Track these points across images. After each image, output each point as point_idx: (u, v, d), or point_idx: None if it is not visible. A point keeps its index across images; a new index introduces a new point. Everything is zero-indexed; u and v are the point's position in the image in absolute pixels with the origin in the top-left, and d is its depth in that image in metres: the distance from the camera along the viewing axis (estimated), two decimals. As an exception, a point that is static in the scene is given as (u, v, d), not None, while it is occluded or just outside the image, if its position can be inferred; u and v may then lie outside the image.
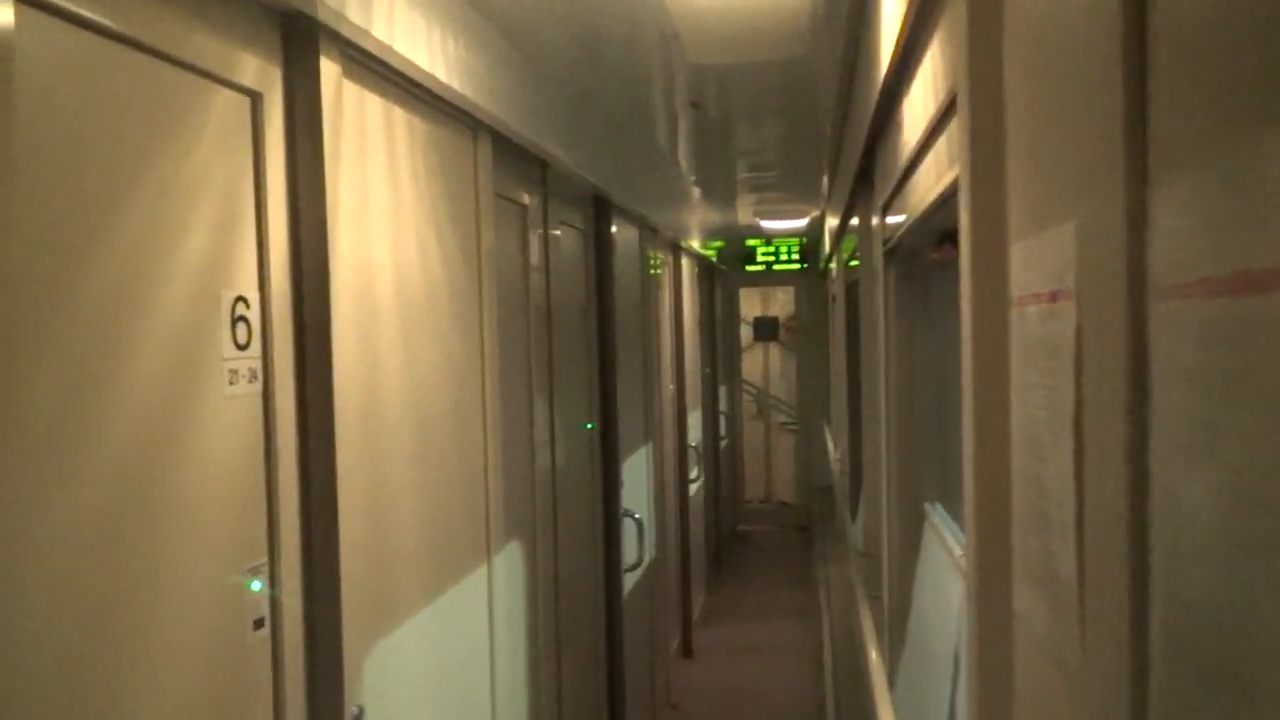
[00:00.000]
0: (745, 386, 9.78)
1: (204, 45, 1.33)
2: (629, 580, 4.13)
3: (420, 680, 1.98)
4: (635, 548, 4.11)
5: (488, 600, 2.35)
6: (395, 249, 1.88)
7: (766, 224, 7.36)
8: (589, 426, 3.67)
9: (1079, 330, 0.73)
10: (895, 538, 2.52)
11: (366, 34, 1.66)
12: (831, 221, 5.49)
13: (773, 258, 9.15)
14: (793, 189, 5.77)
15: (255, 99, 1.45)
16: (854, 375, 4.35)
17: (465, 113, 2.19)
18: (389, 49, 1.75)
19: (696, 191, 5.55)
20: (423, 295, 2.01)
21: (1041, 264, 0.84)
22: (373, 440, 1.75)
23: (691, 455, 6.37)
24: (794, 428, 9.62)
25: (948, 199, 1.42)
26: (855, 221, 3.64)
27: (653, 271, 5.11)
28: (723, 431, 8.54)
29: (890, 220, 2.38)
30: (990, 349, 1.02)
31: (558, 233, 3.16)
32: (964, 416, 1.11)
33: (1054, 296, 0.80)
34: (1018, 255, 0.94)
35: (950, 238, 1.84)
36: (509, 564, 2.55)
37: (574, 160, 3.12)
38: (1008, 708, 1.01)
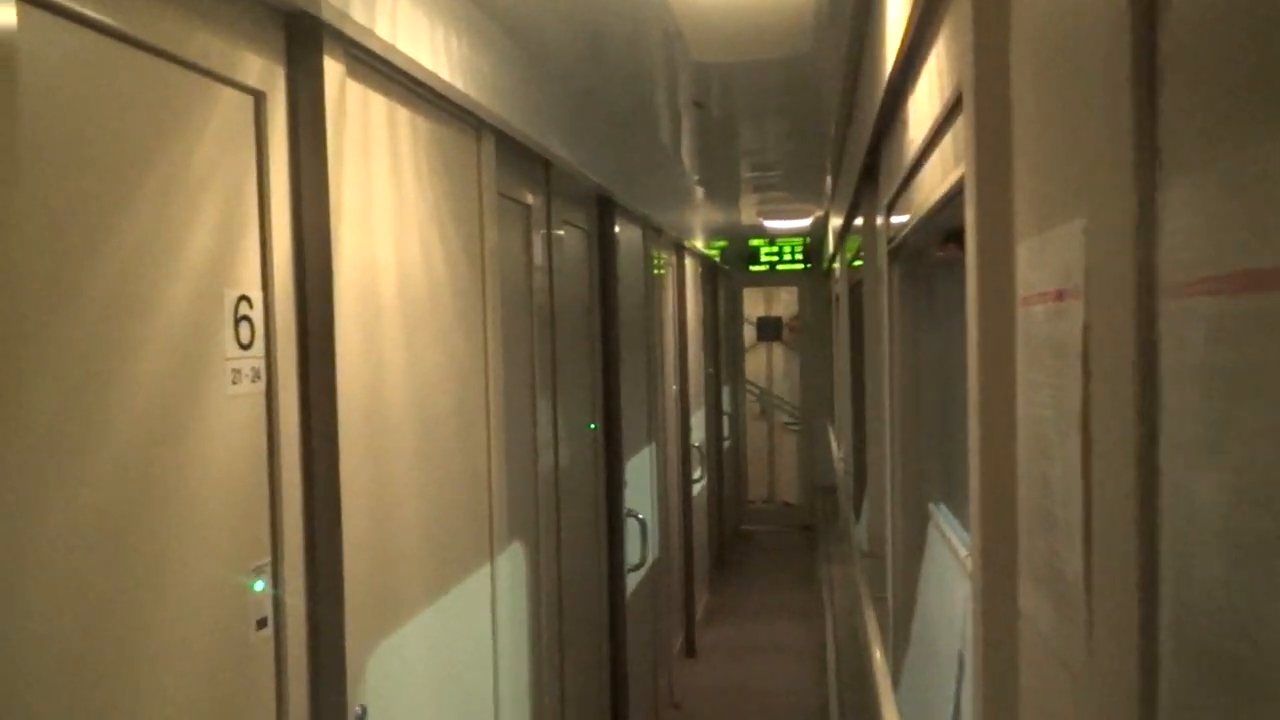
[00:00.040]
0: (749, 386, 9.78)
1: (207, 44, 1.32)
2: (632, 580, 4.12)
3: (423, 680, 1.98)
4: (638, 548, 4.11)
5: (491, 600, 2.34)
6: (399, 249, 1.88)
7: (770, 224, 7.35)
8: (592, 426, 3.66)
9: (1086, 328, 0.73)
10: (899, 538, 2.51)
11: (370, 33, 1.66)
12: (835, 221, 5.49)
13: (776, 258, 9.14)
14: (796, 189, 5.76)
15: (259, 98, 1.45)
16: (858, 375, 4.35)
17: (468, 112, 2.18)
18: (392, 48, 1.75)
19: (700, 191, 5.54)
20: (426, 295, 2.01)
21: (1048, 262, 0.84)
22: (376, 440, 1.75)
23: (695, 455, 6.37)
24: (797, 428, 9.61)
25: (953, 198, 1.41)
26: (859, 221, 3.64)
27: (656, 271, 5.10)
28: (726, 431, 8.53)
29: (895, 220, 2.38)
30: (996, 348, 1.02)
31: (561, 233, 3.16)
32: (970, 416, 1.11)
33: (1061, 295, 0.79)
34: (1024, 254, 0.94)
35: (955, 237, 1.84)
36: (512, 564, 2.55)
37: (577, 160, 3.12)
38: (1013, 708, 1.00)
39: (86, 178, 1.12)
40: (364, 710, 1.62)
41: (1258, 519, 0.48)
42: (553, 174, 2.98)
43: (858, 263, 3.99)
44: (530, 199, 2.81)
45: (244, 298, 1.41)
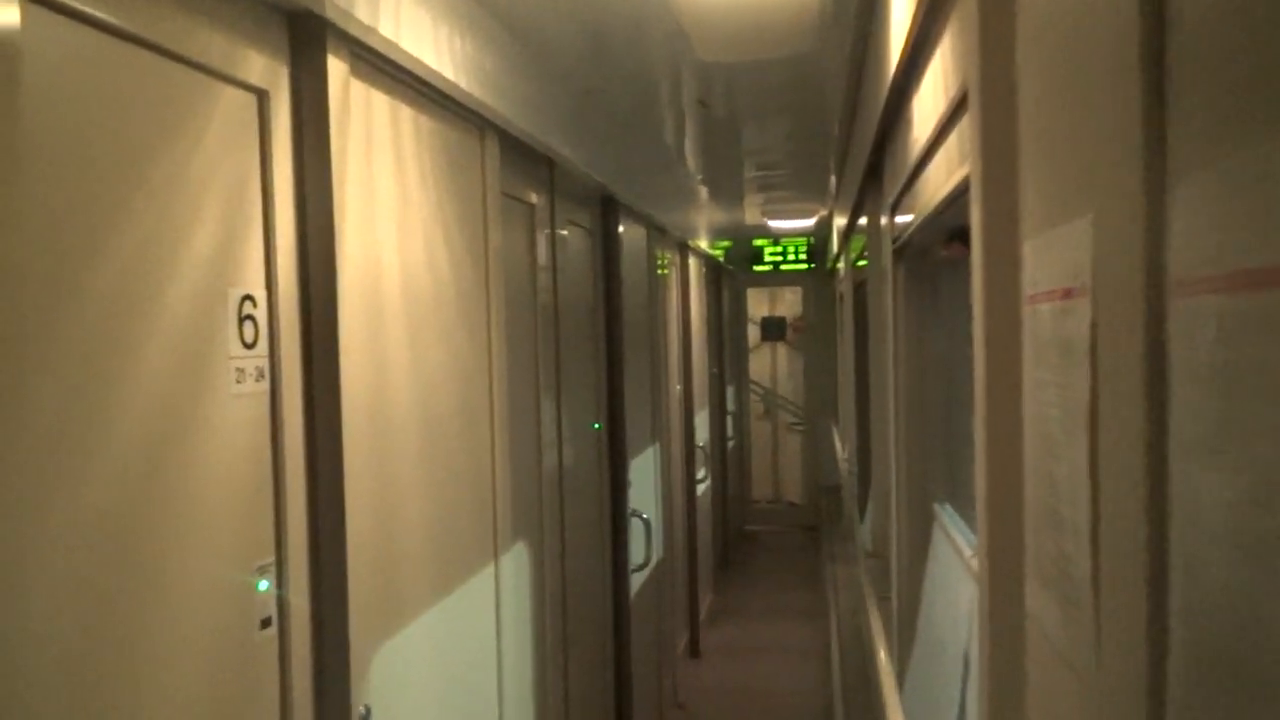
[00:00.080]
0: (753, 386, 9.77)
1: (210, 43, 1.32)
2: (636, 580, 4.12)
3: (427, 680, 1.97)
4: (642, 548, 4.11)
5: (495, 600, 2.34)
6: (402, 248, 1.88)
7: (774, 224, 7.34)
8: (596, 426, 3.66)
9: (1094, 327, 0.72)
10: (904, 538, 2.51)
11: (374, 32, 1.66)
12: (839, 221, 5.48)
13: (780, 258, 9.14)
14: (800, 188, 5.75)
15: (262, 97, 1.45)
16: (862, 375, 4.34)
17: (472, 111, 2.18)
18: (396, 47, 1.75)
19: (704, 191, 5.54)
20: (430, 294, 2.00)
21: (1055, 261, 0.83)
22: (380, 439, 1.75)
23: (699, 455, 6.36)
24: (801, 428, 9.60)
25: (958, 196, 1.41)
26: (863, 221, 3.63)
27: (660, 271, 5.10)
28: (730, 431, 8.52)
29: (899, 219, 2.37)
30: (1002, 347, 1.01)
31: (565, 232, 3.15)
32: (976, 415, 1.11)
33: (1068, 293, 0.79)
34: (1030, 252, 0.93)
35: (960, 236, 1.83)
36: (516, 564, 2.54)
37: (581, 159, 3.11)
38: (1020, 710, 1.00)
39: (89, 176, 1.12)
40: (368, 710, 1.62)
41: (1268, 519, 0.47)
42: (556, 173, 2.98)
43: (862, 262, 3.98)
44: (534, 198, 2.81)
45: (248, 297, 1.41)
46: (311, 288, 1.54)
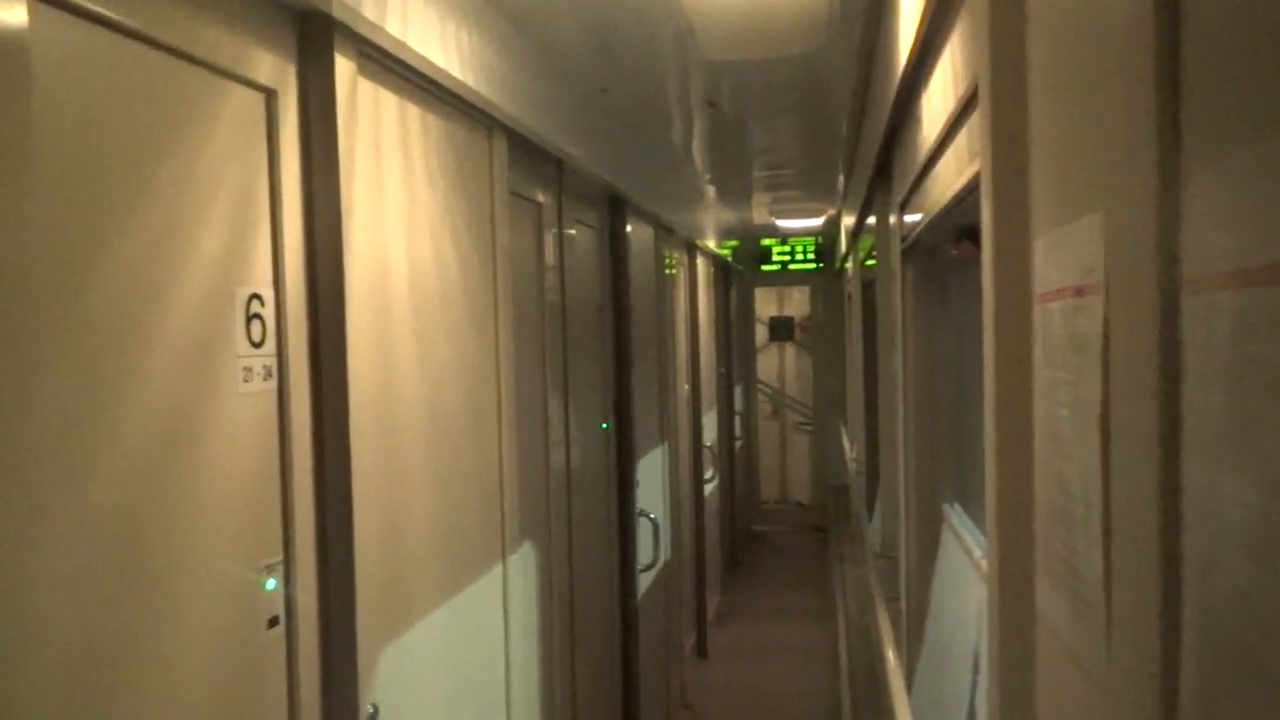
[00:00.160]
0: (760, 386, 9.76)
1: (218, 42, 1.32)
2: (644, 580, 4.12)
3: (435, 679, 1.97)
4: (650, 548, 4.10)
5: (503, 599, 2.34)
6: (410, 247, 1.88)
7: (782, 223, 7.33)
8: (604, 426, 3.66)
9: (1106, 325, 0.72)
10: (913, 539, 2.50)
11: (381, 30, 1.66)
12: (848, 220, 5.47)
13: (788, 257, 9.12)
14: (808, 187, 5.74)
15: (270, 96, 1.45)
16: (871, 375, 4.33)
17: (480, 110, 2.18)
18: (404, 46, 1.75)
19: (711, 190, 5.53)
20: (437, 293, 2.00)
21: (1066, 258, 0.82)
22: (387, 438, 1.75)
23: (706, 455, 6.36)
24: (809, 428, 9.59)
25: (968, 194, 1.40)
26: (872, 220, 3.62)
27: (668, 271, 5.10)
28: (738, 431, 8.51)
29: (908, 218, 2.36)
30: (1013, 346, 1.01)
31: (573, 231, 3.15)
32: (986, 414, 1.10)
33: (1080, 291, 0.78)
34: (1041, 250, 0.93)
35: (970, 234, 1.82)
36: (524, 563, 2.54)
37: (589, 159, 3.11)
38: (1030, 711, 0.99)
39: (97, 175, 1.12)
40: (376, 709, 1.62)
41: (1285, 517, 0.47)
42: (564, 173, 2.98)
43: (871, 262, 3.97)
44: (542, 198, 2.81)
45: (255, 295, 1.41)
46: (319, 286, 1.54)
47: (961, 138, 1.48)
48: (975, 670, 1.66)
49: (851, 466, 6.02)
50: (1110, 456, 0.72)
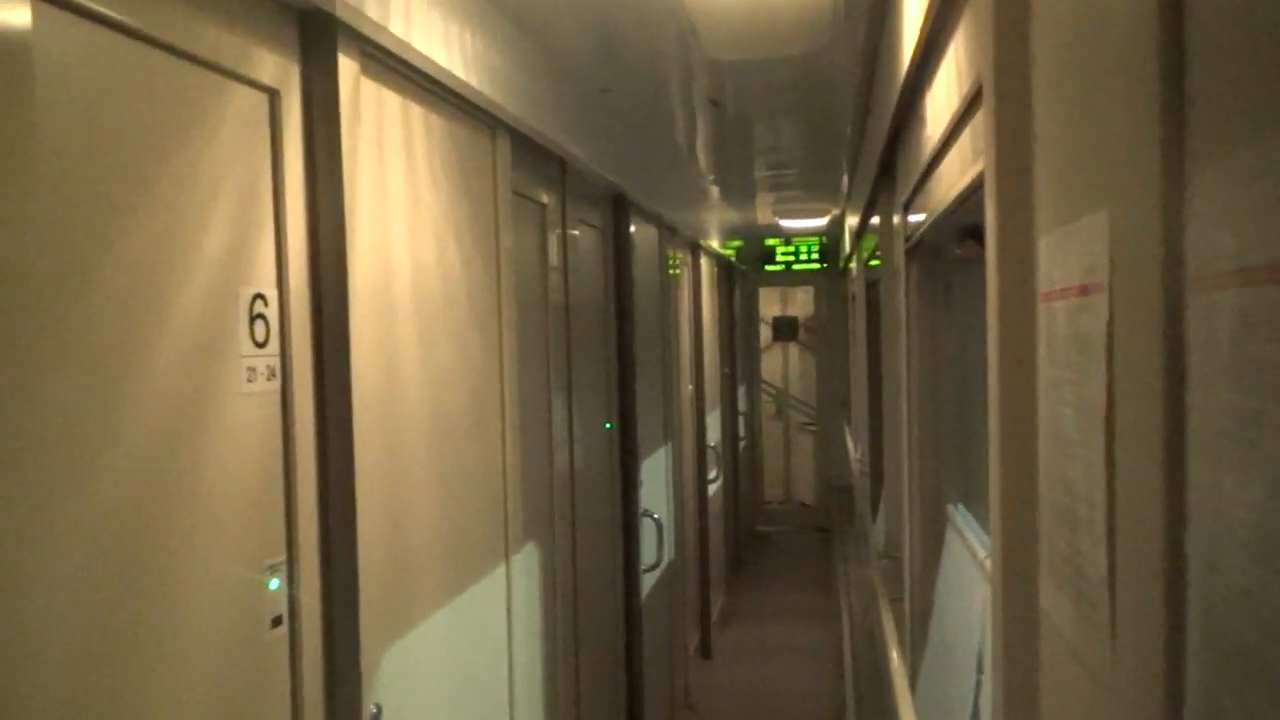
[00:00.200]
0: (764, 386, 9.75)
1: (221, 42, 1.32)
2: (648, 581, 4.12)
3: (438, 679, 1.97)
4: (654, 548, 4.10)
5: (506, 599, 2.34)
6: (413, 247, 1.88)
7: (786, 223, 7.33)
8: (608, 426, 3.66)
9: (1111, 324, 0.72)
10: (917, 539, 2.49)
11: (385, 30, 1.66)
12: (851, 220, 5.46)
13: (792, 257, 9.12)
14: (812, 187, 5.74)
15: (273, 96, 1.45)
16: (874, 375, 4.32)
17: (484, 110, 2.18)
18: (407, 46, 1.75)
19: (715, 190, 5.53)
20: (441, 293, 2.00)
21: (1071, 257, 0.82)
22: (391, 438, 1.75)
23: (710, 455, 6.35)
24: (813, 428, 9.58)
25: (972, 193, 1.40)
26: (876, 220, 3.62)
27: (671, 271, 5.09)
28: (742, 432, 8.51)
29: (912, 218, 2.36)
30: (1017, 345, 1.00)
31: (576, 232, 3.15)
32: (990, 414, 1.10)
33: (1084, 290, 0.78)
34: (1045, 249, 0.92)
35: (974, 234, 1.82)
36: (527, 563, 2.54)
37: (592, 159, 3.11)
38: (1034, 711, 0.99)
39: (100, 175, 1.12)
40: (379, 709, 1.62)
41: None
42: (568, 173, 2.98)
43: (875, 262, 3.97)
44: (545, 198, 2.81)
45: (259, 295, 1.41)
46: (323, 286, 1.54)
47: (965, 137, 1.48)
48: (979, 670, 1.65)
49: (855, 467, 6.02)
50: (1114, 456, 0.71)
